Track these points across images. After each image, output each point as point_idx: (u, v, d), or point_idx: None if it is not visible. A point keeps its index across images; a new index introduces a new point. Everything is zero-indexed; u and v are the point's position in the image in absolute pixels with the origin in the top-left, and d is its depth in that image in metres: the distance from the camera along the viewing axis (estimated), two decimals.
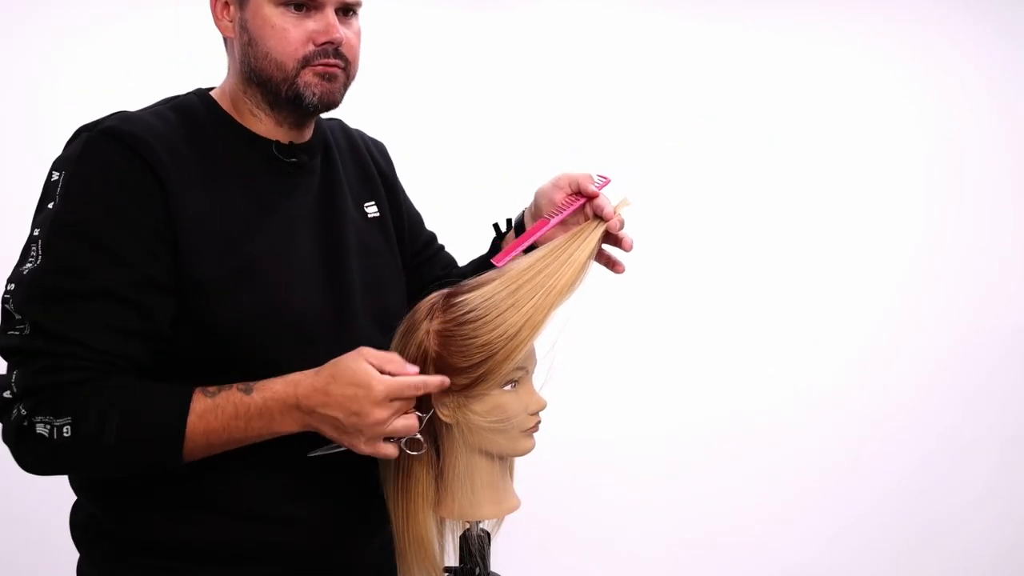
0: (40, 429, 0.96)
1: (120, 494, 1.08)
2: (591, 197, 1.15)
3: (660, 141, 2.55)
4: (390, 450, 1.01)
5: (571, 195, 1.17)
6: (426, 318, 1.09)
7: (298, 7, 1.06)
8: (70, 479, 1.13)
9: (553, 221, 1.16)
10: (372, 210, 1.26)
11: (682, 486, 2.59)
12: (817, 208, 2.62)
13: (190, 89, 1.19)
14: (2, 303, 1.01)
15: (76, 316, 0.98)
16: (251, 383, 1.02)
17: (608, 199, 1.16)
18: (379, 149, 1.36)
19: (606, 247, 1.19)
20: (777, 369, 2.61)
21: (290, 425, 1.02)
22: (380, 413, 0.98)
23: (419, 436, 1.04)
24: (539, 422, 1.14)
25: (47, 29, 2.15)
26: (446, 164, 2.37)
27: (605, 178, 1.19)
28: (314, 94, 1.09)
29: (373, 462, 1.14)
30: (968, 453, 2.69)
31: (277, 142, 1.14)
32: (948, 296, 2.68)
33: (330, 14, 1.07)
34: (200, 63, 2.20)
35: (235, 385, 1.01)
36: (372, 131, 1.40)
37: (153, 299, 1.01)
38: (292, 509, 1.11)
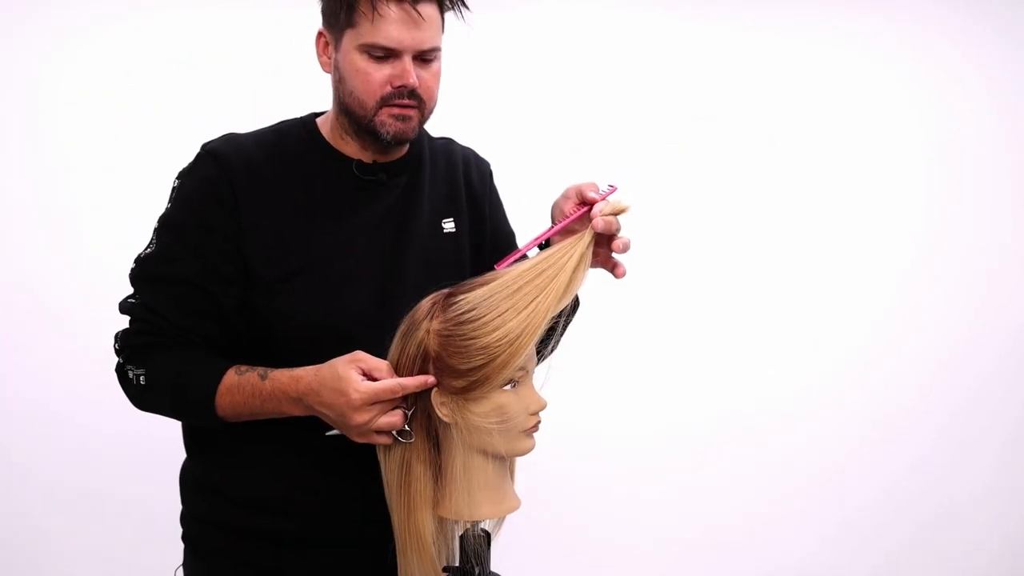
0: (130, 375, 1.25)
1: (201, 450, 1.34)
2: (593, 204, 1.18)
3: (661, 142, 2.55)
4: (383, 439, 1.12)
5: (579, 204, 1.21)
6: (426, 317, 1.09)
7: (379, 55, 1.21)
8: (182, 435, 1.37)
9: (555, 228, 1.20)
10: (449, 226, 1.36)
11: (683, 486, 2.59)
12: (818, 208, 2.62)
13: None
14: (129, 276, 1.28)
15: (163, 295, 1.24)
16: (269, 370, 1.19)
17: (607, 204, 1.17)
18: (478, 168, 1.46)
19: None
20: (777, 369, 2.61)
21: (296, 411, 1.18)
22: (360, 417, 1.09)
23: (407, 428, 1.11)
24: (539, 422, 1.14)
25: (47, 29, 2.16)
26: None
27: (613, 187, 1.21)
28: (388, 132, 1.24)
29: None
30: (967, 453, 2.69)
31: (359, 161, 1.29)
32: (948, 296, 2.68)
33: (407, 61, 1.21)
34: (200, 63, 2.23)
35: (257, 369, 1.20)
36: None
37: (220, 288, 1.23)
38: (321, 480, 1.27)
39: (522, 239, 1.35)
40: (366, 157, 1.30)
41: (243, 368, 1.21)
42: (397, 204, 1.31)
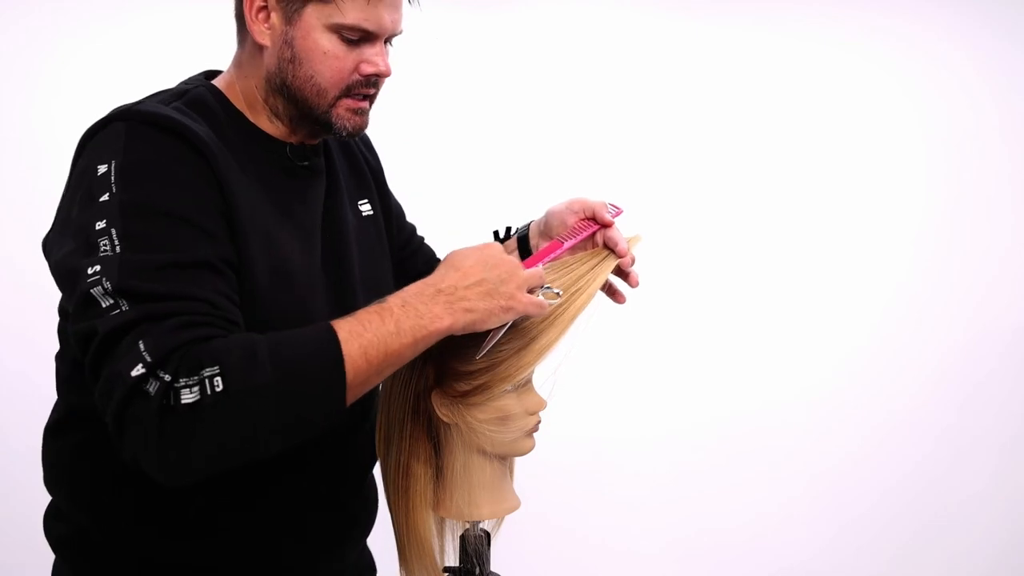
0: (186, 397, 0.81)
1: (112, 508, 1.05)
2: (605, 226, 1.15)
3: (660, 143, 2.55)
4: (533, 298, 0.99)
5: (584, 220, 1.17)
6: None
7: (352, 40, 1.05)
8: (54, 493, 1.09)
9: (567, 245, 1.16)
10: (366, 208, 1.25)
11: (682, 486, 2.59)
12: (817, 208, 2.62)
13: (189, 76, 1.17)
14: (87, 291, 0.87)
15: (191, 280, 0.89)
16: (377, 300, 0.95)
17: (620, 232, 1.16)
18: (365, 143, 1.34)
19: (611, 277, 1.20)
20: (777, 369, 2.61)
21: (440, 314, 0.92)
22: (511, 260, 0.99)
23: (550, 285, 1.05)
24: (539, 422, 1.14)
25: (47, 29, 2.16)
26: (448, 167, 2.37)
27: (618, 208, 1.19)
28: (345, 127, 1.09)
29: (368, 469, 1.18)
30: (968, 453, 2.69)
31: (290, 144, 1.12)
32: (947, 296, 2.68)
33: (381, 45, 1.07)
34: (201, 63, 2.22)
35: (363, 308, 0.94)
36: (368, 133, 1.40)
37: (234, 272, 0.97)
38: (284, 520, 1.10)
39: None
40: (293, 140, 1.13)
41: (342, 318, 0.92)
42: (328, 192, 1.17)
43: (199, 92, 1.09)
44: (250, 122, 1.10)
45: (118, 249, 0.88)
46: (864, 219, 2.64)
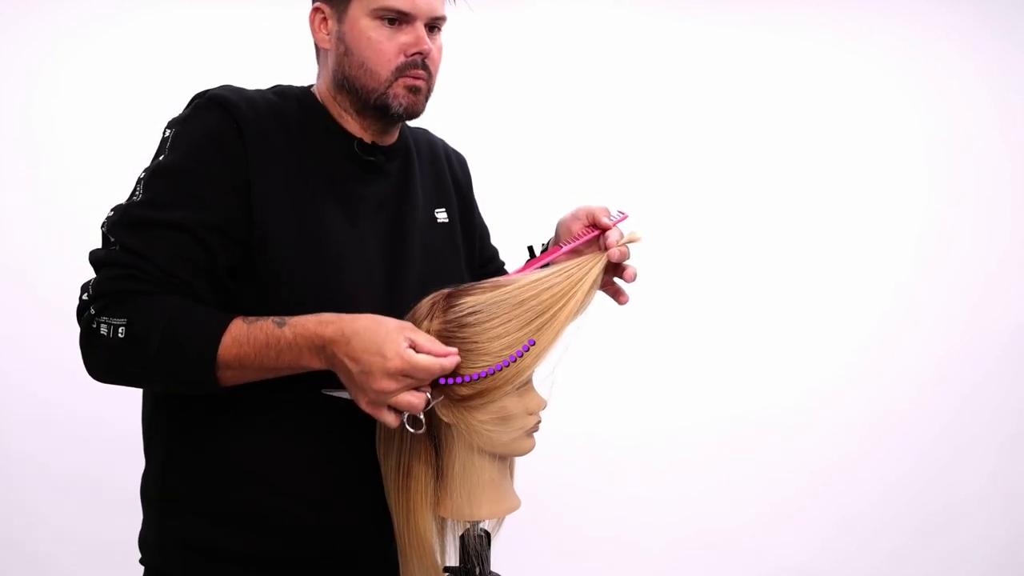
0: (102, 329, 1.06)
1: (170, 452, 1.19)
2: (604, 229, 1.18)
3: (659, 142, 2.55)
4: (390, 419, 1.03)
5: (588, 226, 1.20)
6: (427, 317, 1.09)
7: (391, 21, 1.17)
8: (143, 434, 1.24)
9: (564, 248, 1.19)
10: (442, 216, 1.33)
11: (683, 486, 2.59)
12: (816, 208, 2.62)
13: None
14: (101, 227, 1.13)
15: (152, 239, 1.08)
16: (286, 317, 1.07)
17: (619, 232, 1.18)
18: (459, 161, 1.44)
19: (615, 279, 1.21)
20: (777, 369, 2.61)
21: (315, 362, 1.06)
22: (387, 384, 0.99)
23: (421, 416, 1.04)
24: (539, 421, 1.14)
25: (47, 29, 2.16)
26: None
27: (623, 214, 1.21)
28: (401, 104, 1.19)
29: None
30: (966, 452, 2.69)
31: (359, 140, 1.23)
32: (947, 296, 2.68)
33: (420, 27, 1.18)
34: (200, 63, 2.22)
35: (271, 318, 1.07)
36: None
37: (220, 243, 1.10)
38: (318, 491, 1.17)
39: (520, 244, 1.34)
40: (365, 137, 1.24)
41: (251, 318, 1.07)
42: (394, 190, 1.27)
43: (291, 87, 1.26)
44: (328, 116, 1.24)
45: (138, 196, 1.11)
46: (863, 219, 2.64)
